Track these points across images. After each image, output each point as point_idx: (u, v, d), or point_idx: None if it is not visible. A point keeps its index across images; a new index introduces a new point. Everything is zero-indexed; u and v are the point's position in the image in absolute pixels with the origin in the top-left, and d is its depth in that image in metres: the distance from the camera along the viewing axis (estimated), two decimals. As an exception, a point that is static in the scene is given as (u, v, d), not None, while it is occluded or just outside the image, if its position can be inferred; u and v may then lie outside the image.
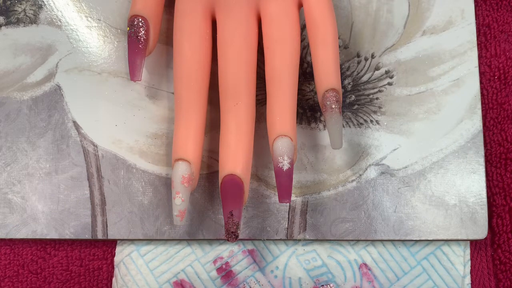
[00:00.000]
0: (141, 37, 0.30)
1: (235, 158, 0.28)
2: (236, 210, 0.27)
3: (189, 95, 0.29)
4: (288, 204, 0.31)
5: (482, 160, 0.32)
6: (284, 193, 0.27)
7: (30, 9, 0.34)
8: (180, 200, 0.28)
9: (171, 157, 0.30)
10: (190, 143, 0.29)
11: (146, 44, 0.30)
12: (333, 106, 0.28)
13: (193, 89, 0.29)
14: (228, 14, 0.30)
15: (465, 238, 0.31)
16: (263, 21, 0.30)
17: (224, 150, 0.28)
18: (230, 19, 0.30)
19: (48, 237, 0.32)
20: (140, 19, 0.30)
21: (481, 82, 0.34)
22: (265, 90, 0.30)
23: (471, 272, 0.31)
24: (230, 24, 0.30)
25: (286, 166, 0.27)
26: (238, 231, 0.27)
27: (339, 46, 0.33)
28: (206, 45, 0.30)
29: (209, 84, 0.31)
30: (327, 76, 0.28)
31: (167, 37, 0.34)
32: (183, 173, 0.28)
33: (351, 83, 0.33)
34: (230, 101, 0.29)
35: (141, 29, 0.30)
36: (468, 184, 0.31)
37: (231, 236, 0.27)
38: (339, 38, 0.33)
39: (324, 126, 0.32)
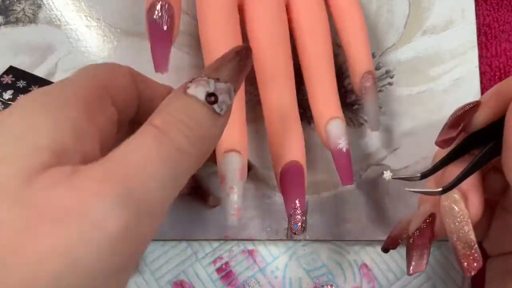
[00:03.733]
0: (166, 22, 0.26)
1: (290, 144, 0.27)
2: (301, 199, 0.26)
3: None
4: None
5: (482, 160, 0.32)
6: (348, 175, 0.27)
7: (29, 9, 0.34)
8: (236, 196, 0.25)
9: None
10: (236, 131, 0.26)
11: (172, 30, 0.26)
12: (371, 88, 0.28)
13: None
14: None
15: (465, 238, 0.31)
16: (291, 8, 0.30)
17: (275, 140, 0.27)
18: (259, 3, 0.29)
19: (47, 237, 0.31)
20: (164, 3, 0.26)
21: (481, 82, 0.34)
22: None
23: (471, 272, 0.31)
24: (259, 8, 0.29)
25: (345, 147, 0.27)
26: (305, 224, 0.25)
27: (339, 46, 0.33)
28: (235, 31, 0.29)
29: None
30: (361, 61, 0.29)
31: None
32: (237, 165, 0.25)
33: (351, 83, 0.33)
34: (270, 83, 0.28)
35: (166, 14, 0.27)
36: (469, 184, 0.31)
37: (299, 230, 0.25)
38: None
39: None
